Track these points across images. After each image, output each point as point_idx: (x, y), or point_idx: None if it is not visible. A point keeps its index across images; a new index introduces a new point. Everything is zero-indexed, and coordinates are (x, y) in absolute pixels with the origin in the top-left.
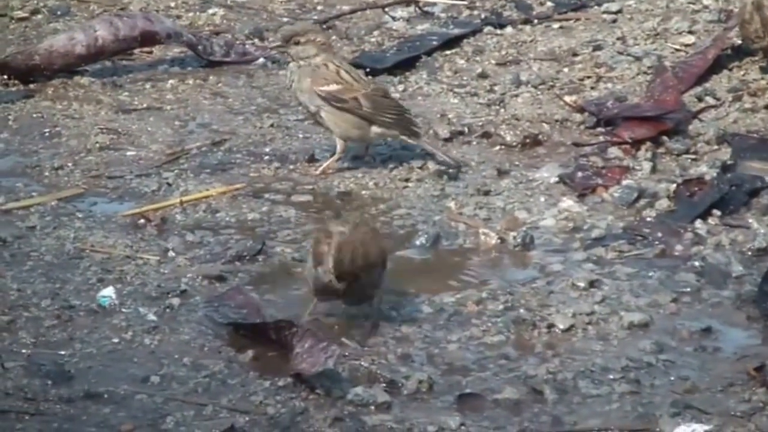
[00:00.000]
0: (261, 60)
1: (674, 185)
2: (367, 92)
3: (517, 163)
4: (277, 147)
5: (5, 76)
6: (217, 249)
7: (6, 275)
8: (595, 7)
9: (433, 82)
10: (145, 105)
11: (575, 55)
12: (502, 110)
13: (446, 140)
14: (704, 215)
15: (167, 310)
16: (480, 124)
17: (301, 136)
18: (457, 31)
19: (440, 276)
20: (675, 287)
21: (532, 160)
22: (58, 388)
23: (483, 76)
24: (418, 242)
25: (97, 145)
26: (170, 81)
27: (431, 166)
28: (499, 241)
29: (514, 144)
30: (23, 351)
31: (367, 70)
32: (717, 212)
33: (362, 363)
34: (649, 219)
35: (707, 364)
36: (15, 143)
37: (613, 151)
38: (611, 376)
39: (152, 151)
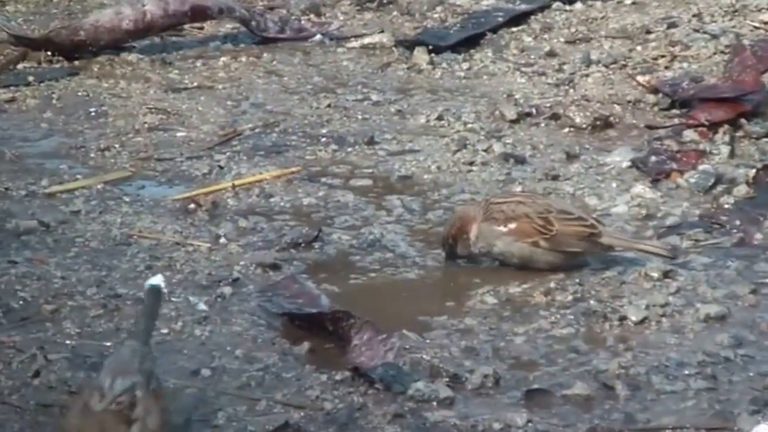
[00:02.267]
0: (318, 37)
1: (753, 170)
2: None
3: (587, 146)
4: (334, 128)
5: (49, 53)
6: (271, 236)
7: (50, 262)
8: None
9: (498, 60)
10: (195, 84)
11: (649, 32)
12: (572, 91)
13: (513, 122)
14: None
15: (219, 299)
16: (548, 105)
17: (359, 117)
18: (523, 7)
19: (506, 265)
20: (754, 278)
21: (603, 143)
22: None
23: (551, 54)
24: None
25: (146, 125)
26: (222, 58)
27: (497, 148)
28: None
29: (584, 126)
30: (67, 342)
31: (430, 47)
32: None
33: (424, 356)
34: (726, 206)
35: None
36: (59, 123)
37: (689, 134)
38: (687, 372)
39: (203, 132)
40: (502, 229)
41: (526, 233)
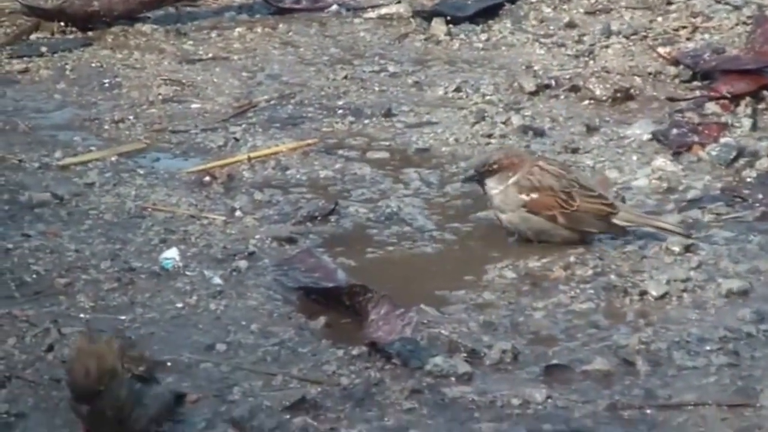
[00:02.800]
0: (334, 7)
1: None
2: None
3: (607, 118)
4: (351, 100)
5: (62, 23)
6: (287, 209)
7: (63, 235)
8: None
9: (517, 31)
10: (210, 55)
11: (669, 3)
12: (592, 62)
13: (532, 94)
14: None
15: (234, 273)
16: (568, 76)
17: (376, 88)
18: None
19: (525, 239)
20: None
21: (624, 115)
22: None
23: (571, 25)
24: None
25: (160, 97)
26: (237, 29)
27: (515, 121)
28: None
29: (604, 98)
30: (81, 316)
31: (448, 18)
32: None
33: (442, 331)
34: (749, 179)
35: None
36: (73, 94)
37: (711, 107)
38: (708, 347)
39: (218, 103)
40: (524, 197)
41: (547, 206)
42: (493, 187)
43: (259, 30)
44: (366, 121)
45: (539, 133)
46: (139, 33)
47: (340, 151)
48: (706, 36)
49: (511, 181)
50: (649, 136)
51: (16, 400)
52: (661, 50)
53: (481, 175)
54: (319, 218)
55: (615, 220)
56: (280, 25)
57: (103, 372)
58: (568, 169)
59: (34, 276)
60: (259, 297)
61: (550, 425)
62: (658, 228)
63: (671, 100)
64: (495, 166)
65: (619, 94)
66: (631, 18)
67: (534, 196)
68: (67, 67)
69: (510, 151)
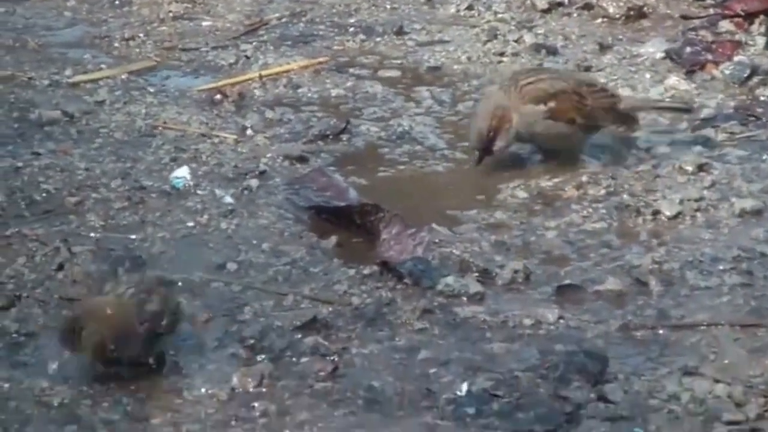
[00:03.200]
0: None
1: None
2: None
3: (620, 37)
4: (362, 18)
5: None
6: (298, 127)
7: (73, 153)
8: None
9: None
10: None
11: None
12: None
13: (544, 12)
14: None
15: (245, 192)
16: None
17: (388, 6)
18: None
19: (536, 158)
20: None
21: (637, 33)
22: (128, 274)
23: None
24: None
25: (171, 14)
26: None
27: (528, 39)
28: None
29: (618, 16)
30: (91, 235)
31: None
32: None
33: (454, 251)
34: (762, 98)
35: None
36: (83, 12)
37: (724, 25)
38: (721, 267)
39: (229, 21)
40: (543, 108)
41: (564, 110)
42: (502, 145)
43: None
44: (377, 39)
45: (552, 52)
46: None
47: (352, 70)
48: None
49: (514, 124)
50: (663, 55)
51: (25, 319)
52: None
53: (486, 148)
54: (330, 137)
55: (621, 107)
56: None
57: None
58: (560, 72)
59: (44, 194)
60: (270, 216)
61: (562, 345)
62: (660, 109)
63: (685, 18)
64: (491, 134)
65: (632, 12)
66: None
67: (552, 104)
68: None
69: (490, 106)
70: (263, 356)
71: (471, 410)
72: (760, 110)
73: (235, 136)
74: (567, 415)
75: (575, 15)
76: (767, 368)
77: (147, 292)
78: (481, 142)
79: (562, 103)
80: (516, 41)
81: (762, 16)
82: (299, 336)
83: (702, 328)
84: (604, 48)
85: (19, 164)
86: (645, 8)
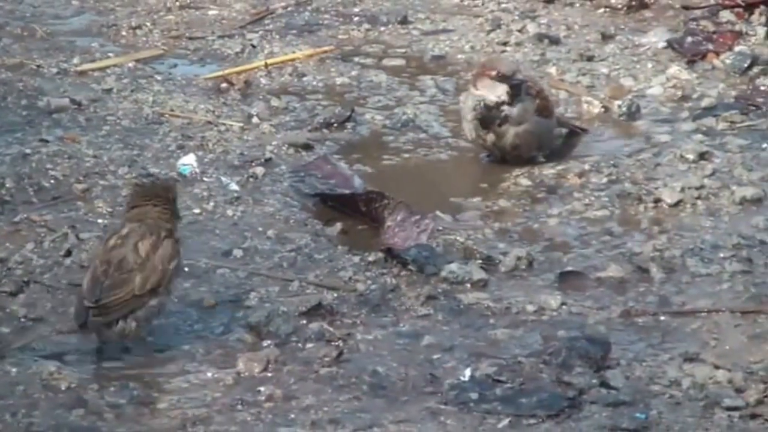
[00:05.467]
0: None
1: None
2: None
3: (622, 26)
4: (367, 7)
5: None
6: (303, 115)
7: (81, 141)
8: None
9: None
10: None
11: None
12: None
13: (547, 2)
14: None
15: (251, 179)
16: None
17: None
18: None
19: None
20: None
21: (639, 23)
22: None
23: None
24: None
25: (177, 3)
26: None
27: (531, 28)
28: (602, 109)
29: (620, 6)
30: (99, 221)
31: None
32: None
33: (457, 238)
34: (763, 87)
35: None
36: (90, 1)
37: (725, 15)
38: (722, 255)
39: (235, 10)
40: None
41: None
42: (517, 102)
43: None
44: (382, 29)
45: (555, 41)
46: None
47: (356, 58)
48: None
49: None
50: (664, 44)
51: (34, 304)
52: None
53: (519, 87)
54: (335, 125)
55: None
56: None
57: None
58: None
59: (53, 181)
60: (276, 203)
61: (565, 331)
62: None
63: (686, 8)
64: (529, 85)
65: (634, 2)
66: None
67: (538, 101)
68: None
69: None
70: (269, 341)
71: (474, 395)
72: (760, 100)
73: (241, 124)
74: (569, 400)
75: (578, 5)
76: (767, 354)
77: None
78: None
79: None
80: (519, 31)
81: (762, 7)
82: (304, 321)
83: (703, 314)
84: (606, 38)
85: (28, 151)
86: None
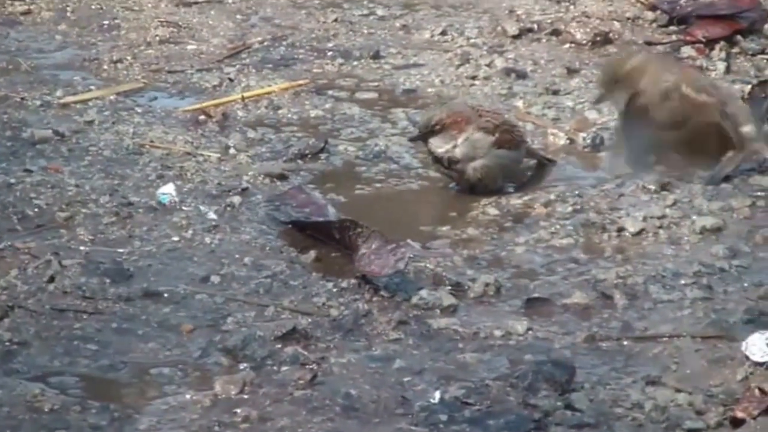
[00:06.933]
0: None
1: (749, 86)
2: None
3: (587, 61)
4: (340, 42)
5: None
6: (278, 146)
7: (64, 171)
8: None
9: None
10: None
11: None
12: (572, 7)
13: (515, 37)
14: None
15: (228, 208)
16: (549, 21)
17: (365, 31)
18: None
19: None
20: (749, 191)
21: (603, 58)
22: (116, 286)
23: None
24: None
25: (157, 38)
26: None
27: (499, 63)
28: (568, 141)
29: (584, 42)
30: (81, 248)
31: None
32: None
33: (428, 265)
34: None
35: None
36: (73, 35)
37: (687, 51)
38: (683, 282)
39: (213, 45)
40: (492, 138)
41: (508, 141)
42: (438, 146)
43: None
44: (355, 63)
45: (521, 75)
46: None
47: (330, 92)
48: None
49: (461, 138)
50: None
51: (18, 329)
52: None
53: (425, 135)
54: (309, 156)
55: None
56: None
57: None
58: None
59: (36, 210)
60: (252, 231)
61: (531, 355)
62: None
63: (649, 44)
64: (437, 127)
65: (598, 38)
66: None
67: (497, 135)
68: (67, 8)
69: (453, 108)
70: (245, 365)
71: (444, 417)
72: None
73: (218, 155)
74: (535, 422)
75: (544, 41)
76: (727, 378)
77: None
78: (423, 127)
79: (505, 134)
80: (487, 65)
81: (722, 42)
82: (280, 345)
83: (664, 339)
84: (571, 72)
85: (12, 181)
86: (611, 34)
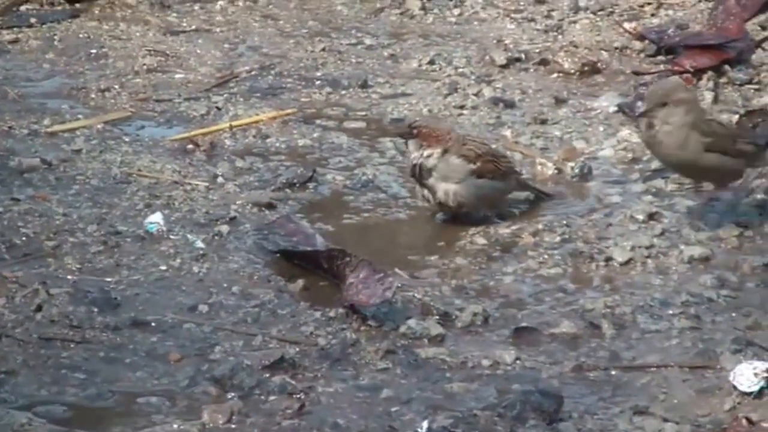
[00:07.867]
0: None
1: (736, 116)
2: None
3: (575, 91)
4: (328, 72)
5: None
6: (267, 175)
7: (52, 199)
8: None
9: (489, 6)
10: (193, 27)
11: None
12: (560, 37)
13: (502, 67)
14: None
15: (216, 237)
16: (537, 50)
17: (353, 60)
18: None
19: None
20: (737, 221)
21: (591, 88)
22: (104, 315)
23: (540, 1)
24: None
25: (145, 67)
26: (219, 2)
27: (487, 92)
28: (556, 171)
29: (572, 72)
30: (69, 277)
31: None
32: None
33: (416, 295)
34: None
35: None
36: (61, 64)
37: None
38: (671, 311)
39: (201, 74)
40: (472, 166)
41: (490, 170)
42: (412, 150)
43: (240, 3)
44: (343, 92)
45: (509, 105)
46: (124, 5)
47: (318, 121)
48: (671, 12)
49: (429, 151)
50: (615, 108)
51: (5, 357)
52: (627, 26)
53: (403, 134)
54: (297, 185)
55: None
56: None
57: None
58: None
59: (24, 238)
60: (240, 260)
61: (519, 385)
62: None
63: (636, 73)
64: (414, 131)
65: (586, 68)
66: None
67: (479, 164)
68: (55, 37)
69: (434, 123)
70: (233, 394)
71: None
72: None
73: (206, 184)
74: None
75: (532, 70)
76: (714, 408)
77: None
78: (404, 126)
79: (486, 164)
80: (475, 95)
81: (710, 72)
82: (267, 375)
83: (652, 369)
84: (559, 102)
85: (0, 209)
86: (599, 64)
